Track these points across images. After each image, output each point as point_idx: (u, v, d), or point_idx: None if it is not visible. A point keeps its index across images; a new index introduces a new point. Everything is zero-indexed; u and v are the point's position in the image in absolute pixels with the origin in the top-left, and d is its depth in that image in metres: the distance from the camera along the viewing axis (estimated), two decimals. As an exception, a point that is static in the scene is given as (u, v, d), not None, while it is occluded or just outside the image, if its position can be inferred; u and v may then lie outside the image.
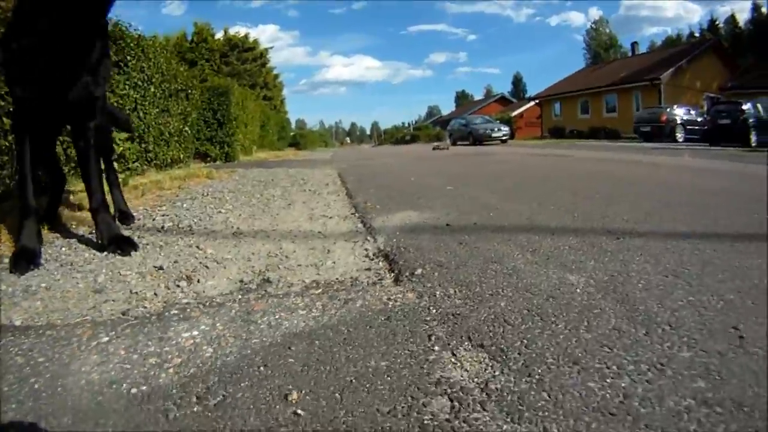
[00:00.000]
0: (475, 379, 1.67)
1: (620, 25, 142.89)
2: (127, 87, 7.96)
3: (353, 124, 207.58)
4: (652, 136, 28.22)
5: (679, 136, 28.01)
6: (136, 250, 3.28)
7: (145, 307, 2.39)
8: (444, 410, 1.49)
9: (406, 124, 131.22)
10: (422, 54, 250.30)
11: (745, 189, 6.40)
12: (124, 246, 3.27)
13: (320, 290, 2.56)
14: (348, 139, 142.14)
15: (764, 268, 2.70)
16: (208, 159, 14.62)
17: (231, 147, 15.34)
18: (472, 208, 4.88)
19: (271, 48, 37.97)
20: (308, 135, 50.95)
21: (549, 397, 1.54)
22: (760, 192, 5.57)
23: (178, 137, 10.33)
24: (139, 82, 8.44)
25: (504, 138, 32.65)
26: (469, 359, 1.82)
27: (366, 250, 3.38)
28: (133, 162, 8.14)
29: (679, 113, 28.90)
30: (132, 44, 8.29)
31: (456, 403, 1.52)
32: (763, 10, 55.39)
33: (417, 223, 4.22)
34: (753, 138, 22.80)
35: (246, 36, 35.38)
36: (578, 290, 2.45)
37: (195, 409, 1.50)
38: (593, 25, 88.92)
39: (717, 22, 64.45)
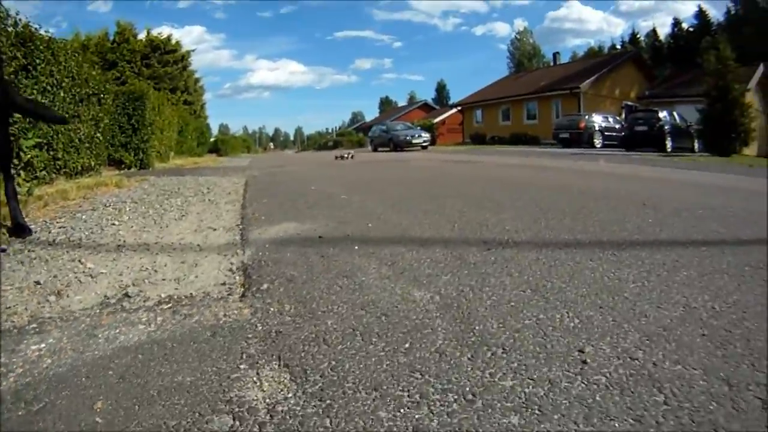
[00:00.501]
0: (267, 400, 1.69)
1: (545, 36, 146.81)
2: (35, 92, 7.69)
3: (277, 130, 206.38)
4: (571, 143, 29.12)
5: (597, 142, 29.01)
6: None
7: (13, 321, 2.45)
8: (224, 428, 1.53)
9: (330, 130, 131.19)
10: (348, 59, 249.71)
11: (652, 192, 6.73)
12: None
13: (169, 305, 2.63)
14: (272, 145, 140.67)
15: (633, 279, 2.77)
16: (123, 166, 14.22)
17: (146, 154, 14.91)
18: (355, 218, 4.93)
19: (193, 51, 37.51)
20: (230, 141, 50.06)
21: (330, 423, 1.53)
22: (668, 195, 5.82)
23: (89, 144, 10.02)
24: (48, 87, 8.17)
25: (424, 144, 32.80)
26: (270, 379, 1.84)
27: (231, 263, 3.41)
28: (41, 170, 7.88)
29: (598, 120, 29.94)
30: (42, 47, 8.04)
31: (237, 423, 1.56)
32: (684, 25, 57.80)
33: (292, 235, 4.27)
34: (668, 144, 24.41)
35: (168, 38, 34.65)
36: (417, 308, 2.42)
37: (20, 413, 1.62)
38: (517, 36, 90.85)
39: (638, 36, 66.81)
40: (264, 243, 3.91)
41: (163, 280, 3.06)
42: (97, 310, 2.58)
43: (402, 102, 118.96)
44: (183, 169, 15.23)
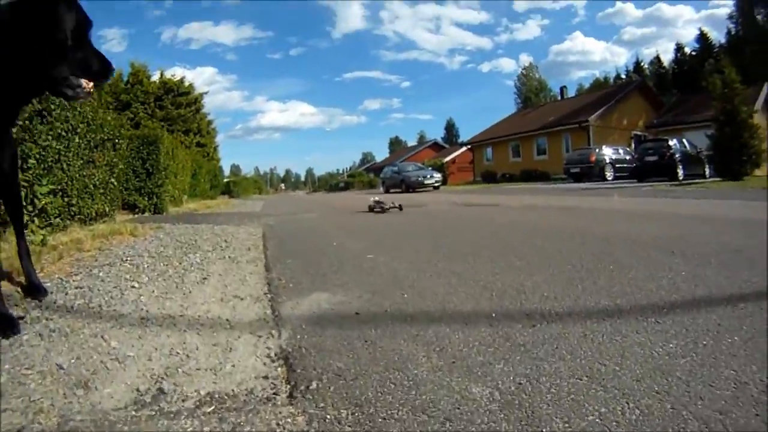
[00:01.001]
0: None
1: (550, 69, 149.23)
2: (49, 138, 7.56)
3: (288, 171, 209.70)
4: (582, 177, 29.17)
5: (609, 175, 28.96)
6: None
7: (40, 423, 2.15)
8: None
9: (341, 171, 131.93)
10: (357, 100, 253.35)
11: (673, 232, 6.54)
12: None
13: (212, 408, 2.32)
14: (283, 186, 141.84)
15: (681, 353, 2.59)
16: (137, 210, 14.24)
17: (160, 198, 14.94)
18: (386, 285, 4.53)
19: (206, 93, 37.97)
20: (242, 182, 50.39)
21: None
22: (690, 236, 5.67)
23: (103, 189, 9.93)
24: (63, 132, 8.04)
25: (436, 185, 33.09)
26: None
27: (268, 348, 3.08)
28: (55, 217, 7.76)
29: (608, 153, 29.98)
30: None
31: None
32: (687, 50, 58.04)
33: (326, 310, 3.87)
34: (680, 172, 24.41)
35: (182, 80, 34.99)
36: (480, 408, 2.15)
37: None
38: (523, 71, 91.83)
39: (642, 64, 67.20)
40: (299, 322, 3.55)
41: (198, 369, 2.74)
42: (132, 412, 2.27)
43: (411, 141, 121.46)
44: (196, 214, 15.14)
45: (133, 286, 4.54)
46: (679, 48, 60.84)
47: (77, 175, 8.57)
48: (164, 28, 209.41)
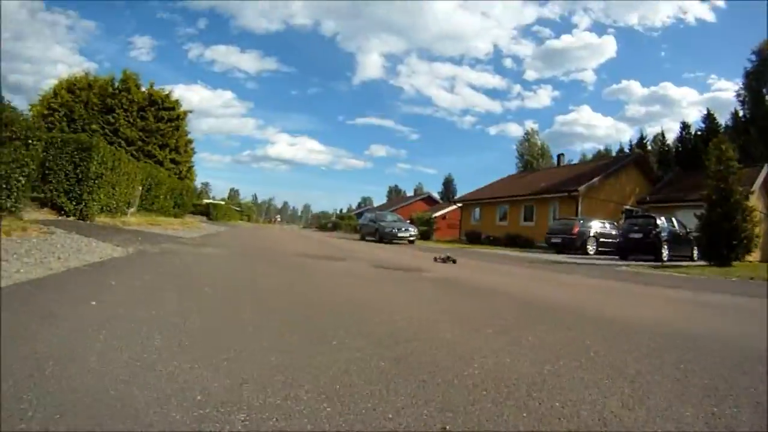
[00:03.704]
0: None
1: (555, 139, 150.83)
2: None
3: (285, 203, 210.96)
4: (563, 247, 28.16)
5: (591, 248, 28.13)
6: None
7: None
8: None
9: (337, 211, 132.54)
10: (363, 145, 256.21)
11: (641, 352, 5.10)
12: None
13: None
14: (278, 217, 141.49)
15: None
16: (63, 213, 14.03)
17: (86, 205, 14.50)
18: None
19: (191, 112, 37.06)
20: (222, 207, 49.73)
21: None
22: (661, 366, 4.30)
23: (4, 185, 9.61)
24: None
25: (411, 239, 32.58)
26: None
27: None
28: None
29: (593, 225, 29.17)
30: None
31: None
32: (692, 129, 57.89)
33: None
34: (665, 252, 23.19)
35: (168, 95, 34.31)
36: None
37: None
38: (526, 136, 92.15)
39: (645, 140, 66.79)
40: None
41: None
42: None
43: (411, 192, 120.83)
44: (119, 229, 14.48)
45: None
46: (684, 126, 59.56)
47: None
48: (192, 45, 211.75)
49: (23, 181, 10.15)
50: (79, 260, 7.35)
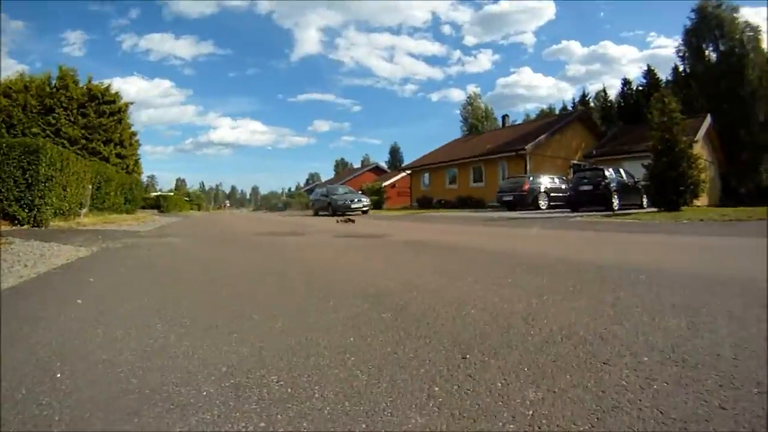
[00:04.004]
0: None
1: (497, 101, 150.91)
2: None
3: (234, 188, 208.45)
4: (515, 205, 28.49)
5: (543, 204, 28.53)
6: None
7: None
8: None
9: (286, 190, 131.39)
10: (307, 121, 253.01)
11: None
12: None
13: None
14: (227, 203, 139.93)
15: None
16: (16, 222, 13.43)
17: (39, 211, 13.93)
18: None
19: (132, 104, 35.75)
20: (173, 199, 48.88)
21: None
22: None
23: None
24: None
25: (364, 209, 32.50)
26: None
27: None
28: None
29: (543, 181, 29.52)
30: None
31: None
32: (633, 85, 59.16)
33: None
34: (615, 202, 23.76)
35: (107, 87, 33.14)
36: None
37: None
38: (468, 100, 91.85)
39: (588, 98, 67.70)
40: None
41: None
42: None
43: (357, 164, 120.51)
44: (76, 231, 13.88)
45: None
46: (626, 82, 60.70)
47: None
48: (126, 36, 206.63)
49: None
50: (46, 265, 7.15)
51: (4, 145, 13.54)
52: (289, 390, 2.33)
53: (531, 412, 1.99)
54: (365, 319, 3.58)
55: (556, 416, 1.94)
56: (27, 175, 13.62)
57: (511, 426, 1.89)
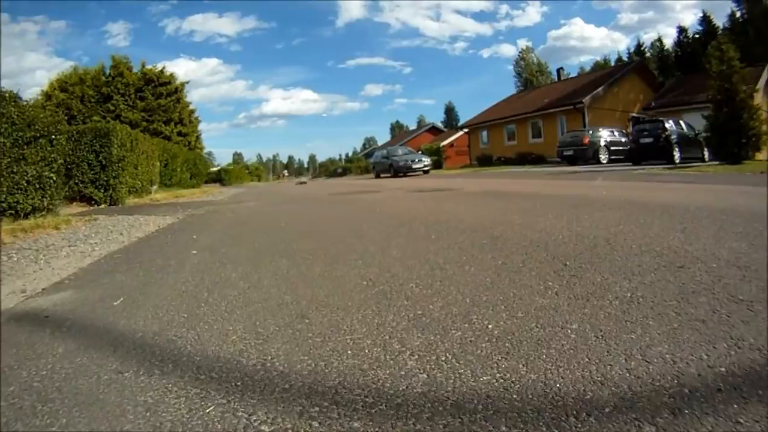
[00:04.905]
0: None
1: (549, 55, 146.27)
2: None
3: (291, 157, 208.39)
4: (576, 159, 28.30)
5: (603, 157, 28.00)
6: None
7: None
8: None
9: (343, 156, 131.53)
10: (358, 86, 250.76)
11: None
12: None
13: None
14: (286, 172, 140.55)
15: None
16: (93, 203, 14.16)
17: (115, 190, 14.67)
18: None
19: (188, 83, 37.21)
20: (234, 171, 49.74)
21: None
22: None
23: (39, 185, 9.56)
24: None
25: (425, 169, 32.41)
26: None
27: None
28: None
29: (602, 135, 28.94)
30: None
31: None
32: (689, 32, 56.83)
33: None
34: (676, 155, 22.88)
35: (162, 70, 34.32)
36: None
37: None
38: (520, 54, 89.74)
39: (643, 47, 65.72)
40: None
41: None
42: None
43: (413, 125, 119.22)
44: (153, 205, 14.64)
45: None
46: (681, 30, 58.15)
47: (5, 173, 8.43)
48: (168, 21, 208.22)
49: (54, 178, 10.26)
50: (142, 231, 7.70)
51: (75, 131, 14.21)
52: (428, 290, 2.97)
53: (629, 295, 2.64)
54: (468, 244, 4.27)
55: (648, 298, 2.58)
56: (100, 158, 14.31)
57: (616, 302, 2.55)
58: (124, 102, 31.01)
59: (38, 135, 9.83)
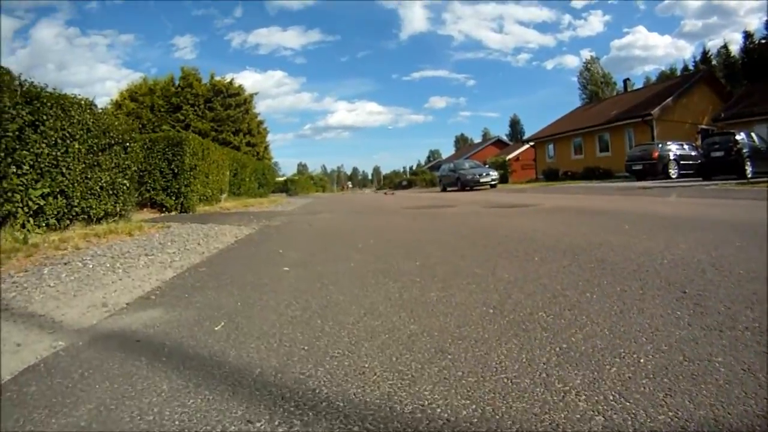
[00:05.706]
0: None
1: (613, 65, 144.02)
2: (43, 145, 7.59)
3: (355, 169, 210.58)
4: (645, 174, 27.47)
5: (673, 172, 27.23)
6: None
7: None
8: None
9: (407, 168, 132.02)
10: (423, 99, 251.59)
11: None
12: None
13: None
14: (350, 184, 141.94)
15: None
16: (164, 209, 14.54)
17: (186, 198, 15.04)
18: None
19: (256, 94, 38.26)
20: (300, 181, 50.60)
21: None
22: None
23: (112, 191, 9.82)
24: (59, 140, 8.02)
25: (493, 183, 32.12)
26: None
27: None
28: (53, 218, 7.79)
29: (672, 148, 28.12)
30: (49, 103, 7.89)
31: None
32: (755, 37, 54.56)
33: None
34: (749, 169, 21.81)
35: (231, 82, 35.46)
36: None
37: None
38: (585, 65, 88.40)
39: (709, 54, 63.94)
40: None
41: None
42: None
43: (477, 138, 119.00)
44: (224, 213, 14.86)
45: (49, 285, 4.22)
46: (747, 35, 56.12)
47: (79, 178, 8.55)
48: (233, 34, 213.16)
49: (127, 184, 10.52)
50: (220, 242, 7.63)
51: (148, 139, 14.55)
52: (561, 320, 2.85)
53: (757, 325, 2.50)
54: (576, 268, 4.09)
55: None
56: (173, 165, 14.72)
57: (747, 333, 2.42)
58: (193, 112, 32.15)
59: (113, 142, 10.07)
